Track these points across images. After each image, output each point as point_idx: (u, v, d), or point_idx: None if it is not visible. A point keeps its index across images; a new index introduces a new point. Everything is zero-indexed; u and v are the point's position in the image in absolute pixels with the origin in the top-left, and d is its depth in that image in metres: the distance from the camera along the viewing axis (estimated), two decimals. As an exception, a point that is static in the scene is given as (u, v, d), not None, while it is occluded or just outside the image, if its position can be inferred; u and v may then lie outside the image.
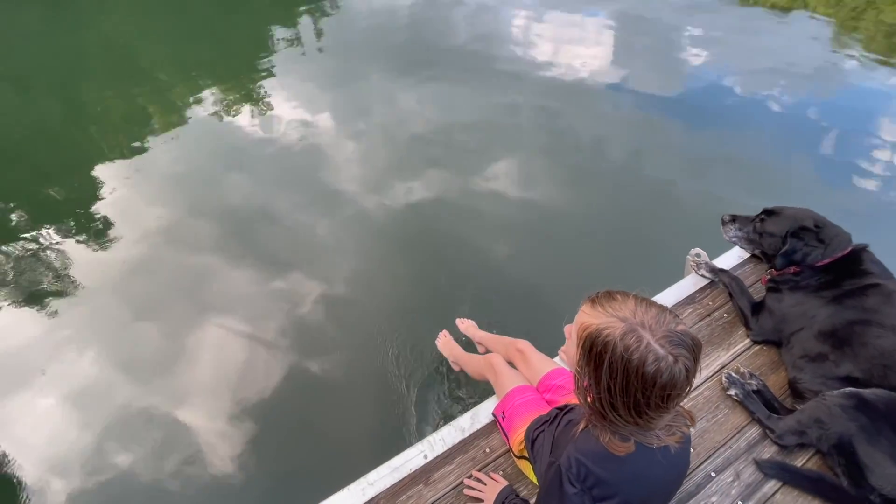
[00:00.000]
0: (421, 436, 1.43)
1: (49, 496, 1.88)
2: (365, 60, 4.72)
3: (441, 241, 2.88)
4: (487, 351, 1.91)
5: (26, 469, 1.97)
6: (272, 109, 4.08)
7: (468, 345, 2.14)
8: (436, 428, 1.46)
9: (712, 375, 1.55)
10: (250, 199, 3.17)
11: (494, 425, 1.44)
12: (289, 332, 2.41)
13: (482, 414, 1.47)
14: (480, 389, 1.93)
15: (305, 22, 5.51)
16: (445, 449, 1.38)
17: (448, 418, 1.50)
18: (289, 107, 4.09)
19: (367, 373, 2.25)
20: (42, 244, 2.91)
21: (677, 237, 2.85)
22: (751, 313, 1.66)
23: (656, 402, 0.65)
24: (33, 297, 2.63)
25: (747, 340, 1.66)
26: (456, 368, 2.05)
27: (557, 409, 1.14)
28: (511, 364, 1.58)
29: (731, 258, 1.95)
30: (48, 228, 3.01)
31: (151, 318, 2.49)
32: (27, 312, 2.56)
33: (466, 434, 1.42)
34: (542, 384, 1.43)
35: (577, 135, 3.79)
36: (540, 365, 1.50)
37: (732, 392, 1.48)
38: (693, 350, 0.65)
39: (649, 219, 3.06)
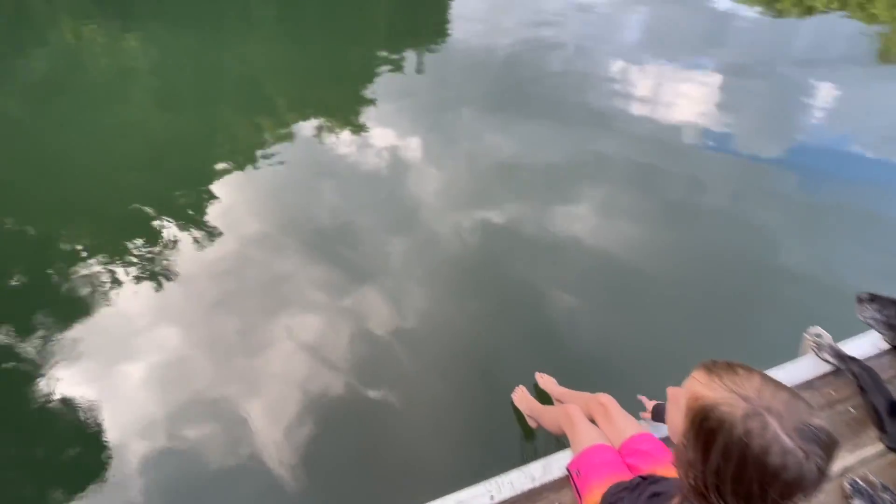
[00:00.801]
0: (484, 476, 1.40)
1: (123, 456, 2.11)
2: (459, 95, 4.99)
3: (517, 282, 2.88)
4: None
5: (108, 428, 2.24)
6: (368, 134, 4.43)
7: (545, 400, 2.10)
8: (504, 470, 1.43)
9: (832, 478, 1.36)
10: (337, 217, 3.43)
11: (567, 480, 1.38)
12: (353, 351, 2.51)
13: (555, 466, 1.42)
14: (555, 441, 1.87)
15: (410, 57, 5.98)
16: (513, 494, 1.35)
17: (517, 463, 1.46)
18: (383, 133, 4.42)
19: (433, 402, 2.27)
20: (164, 237, 3.36)
21: (786, 310, 2.61)
22: (887, 414, 1.44)
23: (774, 498, 0.58)
24: (146, 278, 3.03)
25: (880, 446, 1.44)
26: (533, 425, 2.00)
27: (641, 477, 1.08)
28: (591, 420, 1.51)
29: (864, 345, 1.73)
30: (170, 222, 3.47)
31: (234, 312, 2.76)
32: (138, 290, 2.95)
33: (536, 483, 1.38)
34: (626, 447, 1.35)
35: (671, 189, 3.65)
36: (623, 424, 1.43)
37: (856, 503, 1.28)
38: (829, 449, 0.58)
39: (752, 286, 2.82)
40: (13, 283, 3.06)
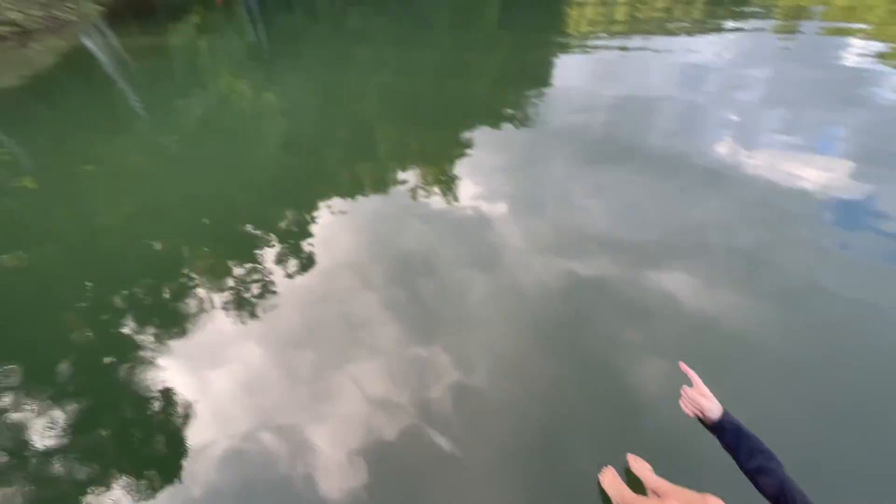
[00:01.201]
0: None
1: (188, 453, 2.22)
2: (555, 150, 4.99)
3: (604, 345, 2.67)
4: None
5: (182, 424, 2.40)
6: (461, 182, 4.57)
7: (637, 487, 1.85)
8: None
9: None
10: (422, 260, 3.53)
11: None
12: (420, 399, 2.47)
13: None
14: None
15: (511, 112, 6.18)
16: None
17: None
18: (476, 182, 4.52)
19: (501, 467, 2.11)
20: (266, 261, 3.69)
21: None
22: None
23: None
24: (244, 296, 3.30)
25: None
26: (622, 514, 1.77)
27: None
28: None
29: None
30: (273, 249, 3.81)
31: (312, 341, 2.90)
32: (235, 305, 3.23)
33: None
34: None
35: (787, 259, 3.23)
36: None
37: None
38: None
39: (886, 389, 2.32)
40: (136, 287, 3.54)
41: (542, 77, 7.47)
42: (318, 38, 11.76)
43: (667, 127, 5.32)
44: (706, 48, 7.89)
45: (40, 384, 2.79)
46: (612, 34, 9.46)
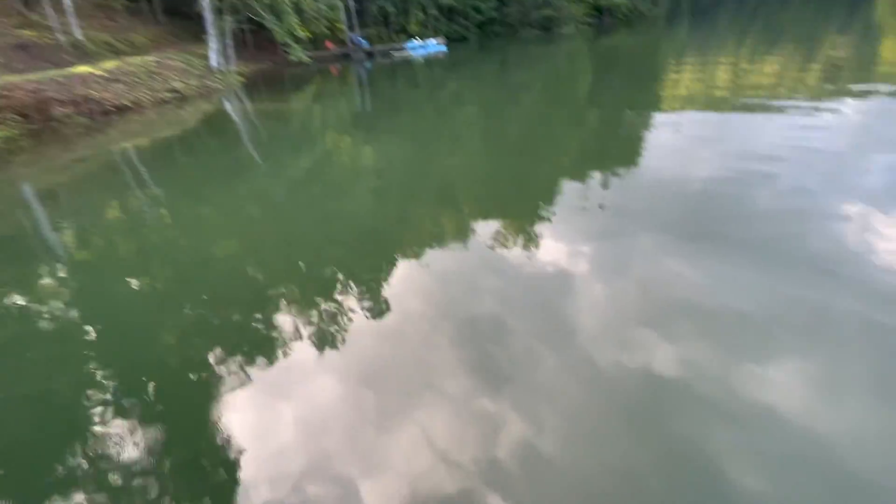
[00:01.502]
0: None
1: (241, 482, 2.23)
2: (643, 220, 4.74)
3: (688, 447, 2.32)
4: None
5: (239, 449, 2.44)
6: (541, 243, 4.50)
7: None
8: None
9: None
10: (494, 317, 3.44)
11: None
12: (478, 461, 2.30)
13: None
14: None
15: (596, 177, 6.10)
16: None
17: None
18: (556, 245, 4.42)
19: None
20: (344, 303, 3.87)
21: None
22: None
23: None
24: (319, 333, 3.45)
25: None
26: None
27: None
28: None
29: None
30: (351, 291, 3.99)
31: (377, 386, 2.88)
32: (309, 341, 3.36)
33: None
34: None
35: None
36: None
37: None
38: None
39: None
40: (226, 316, 3.85)
41: (635, 147, 7.37)
42: (415, 103, 12.86)
43: (775, 206, 4.83)
44: (822, 121, 7.27)
45: (108, 390, 3.09)
46: (712, 104, 9.16)
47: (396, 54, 25.18)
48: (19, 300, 4.48)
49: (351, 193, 6.61)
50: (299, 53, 18.85)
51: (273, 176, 7.57)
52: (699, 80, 11.67)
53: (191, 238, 5.56)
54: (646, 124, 8.31)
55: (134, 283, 4.59)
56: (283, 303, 3.97)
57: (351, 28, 27.38)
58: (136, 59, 14.79)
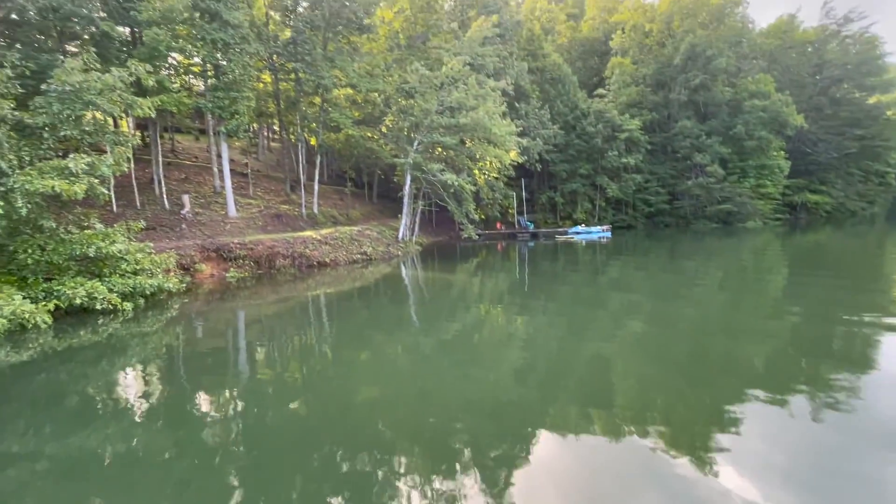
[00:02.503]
0: None
1: None
2: (873, 451, 3.44)
3: None
4: None
5: None
6: (717, 460, 3.59)
7: None
8: None
9: None
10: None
11: None
12: None
13: None
14: None
15: (796, 402, 4.83)
16: None
17: None
18: (740, 467, 3.48)
19: None
20: (468, 473, 3.45)
21: None
22: None
23: None
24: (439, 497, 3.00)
25: None
26: None
27: None
28: None
29: None
30: (480, 463, 3.57)
31: None
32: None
33: None
34: None
35: None
36: None
37: None
38: None
39: None
40: (348, 461, 3.74)
41: (859, 366, 5.89)
42: (573, 283, 12.99)
43: None
44: None
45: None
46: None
47: (560, 237, 26.93)
48: (203, 404, 5.28)
49: (495, 363, 6.53)
50: (470, 232, 21.73)
51: (426, 334, 8.05)
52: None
53: (343, 377, 6.07)
54: (874, 337, 6.63)
55: (287, 406, 5.13)
56: (405, 463, 3.85)
57: (521, 213, 30.89)
58: (345, 229, 18.91)
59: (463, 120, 19.65)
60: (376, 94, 22.91)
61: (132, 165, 15.36)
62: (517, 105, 27.86)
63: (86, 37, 13.80)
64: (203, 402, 5.32)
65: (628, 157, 30.30)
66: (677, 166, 32.46)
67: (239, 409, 5.11)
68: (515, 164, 24.69)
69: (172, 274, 10.69)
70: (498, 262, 19.09)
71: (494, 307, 10.30)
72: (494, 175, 25.23)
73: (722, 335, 7.33)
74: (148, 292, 9.30)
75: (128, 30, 15.34)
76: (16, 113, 8.40)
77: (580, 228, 28.06)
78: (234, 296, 11.20)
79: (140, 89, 14.05)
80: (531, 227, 29.71)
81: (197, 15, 14.38)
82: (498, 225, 29.90)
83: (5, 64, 9.21)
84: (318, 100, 20.70)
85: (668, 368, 5.92)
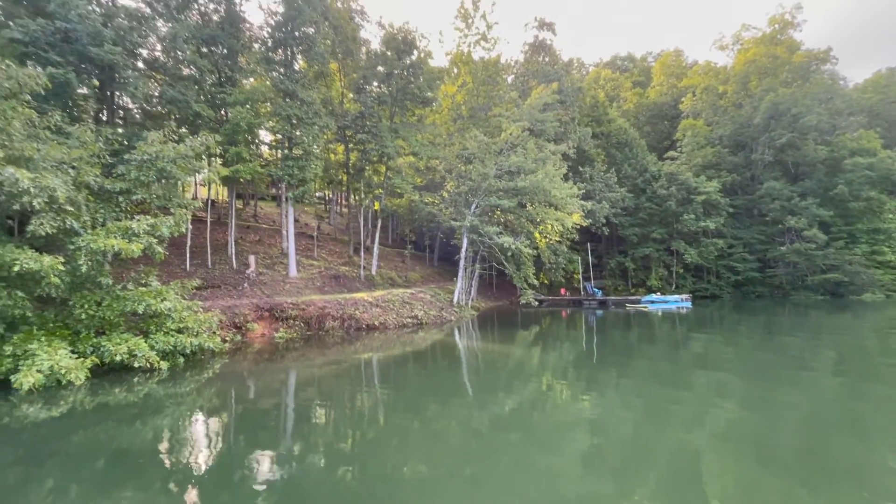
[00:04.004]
0: None
1: None
2: None
3: None
4: None
5: None
6: None
7: None
8: None
9: None
10: None
11: None
12: None
13: None
14: None
15: None
16: None
17: None
18: None
19: None
20: None
21: None
22: None
23: None
24: None
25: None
26: None
27: None
28: None
29: None
30: None
31: None
32: None
33: None
34: None
35: None
36: None
37: None
38: None
39: None
40: None
41: None
42: (651, 356, 11.32)
43: None
44: None
45: None
46: None
47: (632, 306, 24.61)
48: (242, 470, 4.89)
49: (557, 447, 5.56)
50: (529, 297, 20.50)
51: (478, 408, 7.11)
52: None
53: (399, 450, 5.34)
54: None
55: (331, 478, 4.73)
56: None
57: (587, 278, 29.04)
58: (398, 291, 18.57)
59: (521, 183, 19.24)
60: (437, 161, 23.47)
61: (208, 228, 16.78)
62: (581, 169, 27.20)
63: (178, 116, 15.66)
64: (240, 468, 4.98)
65: (707, 220, 27.89)
66: (766, 231, 29.33)
67: (278, 477, 4.76)
68: (580, 227, 23.54)
69: (216, 333, 10.67)
70: (562, 330, 17.52)
71: (558, 383, 8.98)
72: (557, 238, 24.14)
73: (843, 431, 5.64)
74: (188, 351, 9.23)
75: (219, 111, 17.19)
76: (98, 179, 9.19)
77: (655, 297, 25.54)
78: (280, 357, 10.94)
79: (224, 161, 15.74)
80: (599, 294, 27.66)
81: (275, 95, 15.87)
82: (562, 291, 28.24)
83: (100, 137, 10.40)
84: (382, 168, 21.55)
85: (773, 468, 4.58)
